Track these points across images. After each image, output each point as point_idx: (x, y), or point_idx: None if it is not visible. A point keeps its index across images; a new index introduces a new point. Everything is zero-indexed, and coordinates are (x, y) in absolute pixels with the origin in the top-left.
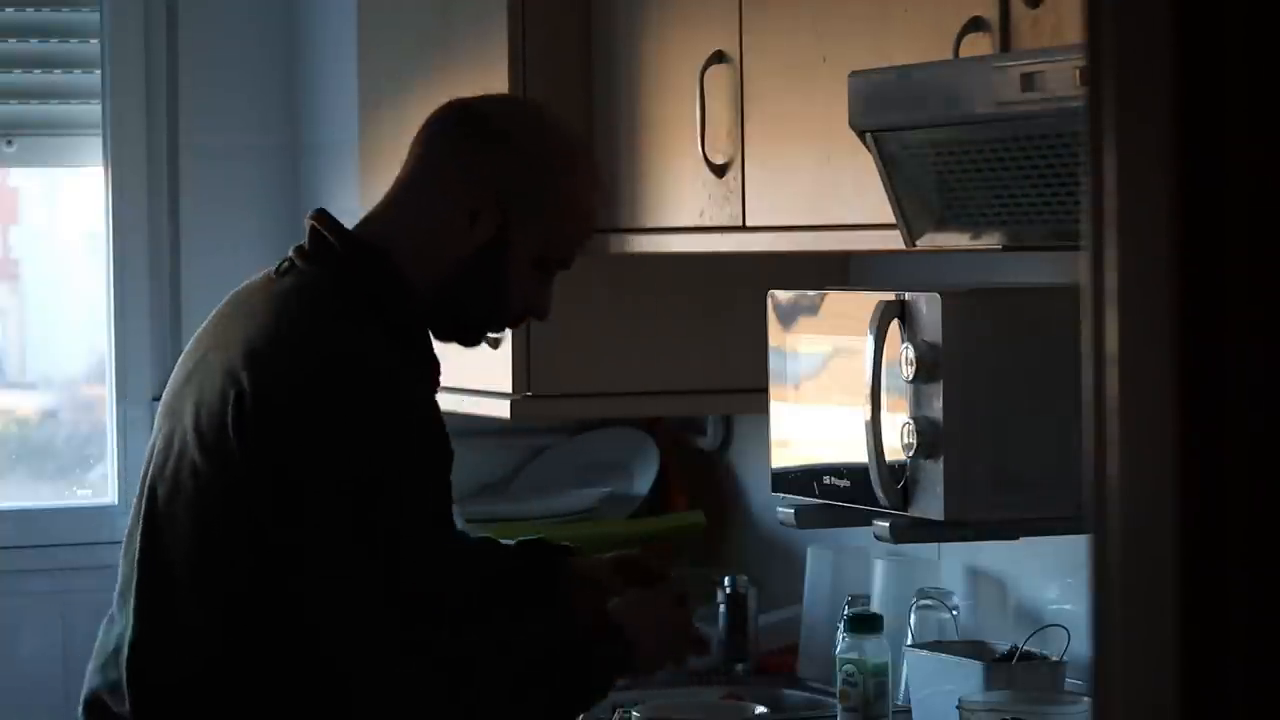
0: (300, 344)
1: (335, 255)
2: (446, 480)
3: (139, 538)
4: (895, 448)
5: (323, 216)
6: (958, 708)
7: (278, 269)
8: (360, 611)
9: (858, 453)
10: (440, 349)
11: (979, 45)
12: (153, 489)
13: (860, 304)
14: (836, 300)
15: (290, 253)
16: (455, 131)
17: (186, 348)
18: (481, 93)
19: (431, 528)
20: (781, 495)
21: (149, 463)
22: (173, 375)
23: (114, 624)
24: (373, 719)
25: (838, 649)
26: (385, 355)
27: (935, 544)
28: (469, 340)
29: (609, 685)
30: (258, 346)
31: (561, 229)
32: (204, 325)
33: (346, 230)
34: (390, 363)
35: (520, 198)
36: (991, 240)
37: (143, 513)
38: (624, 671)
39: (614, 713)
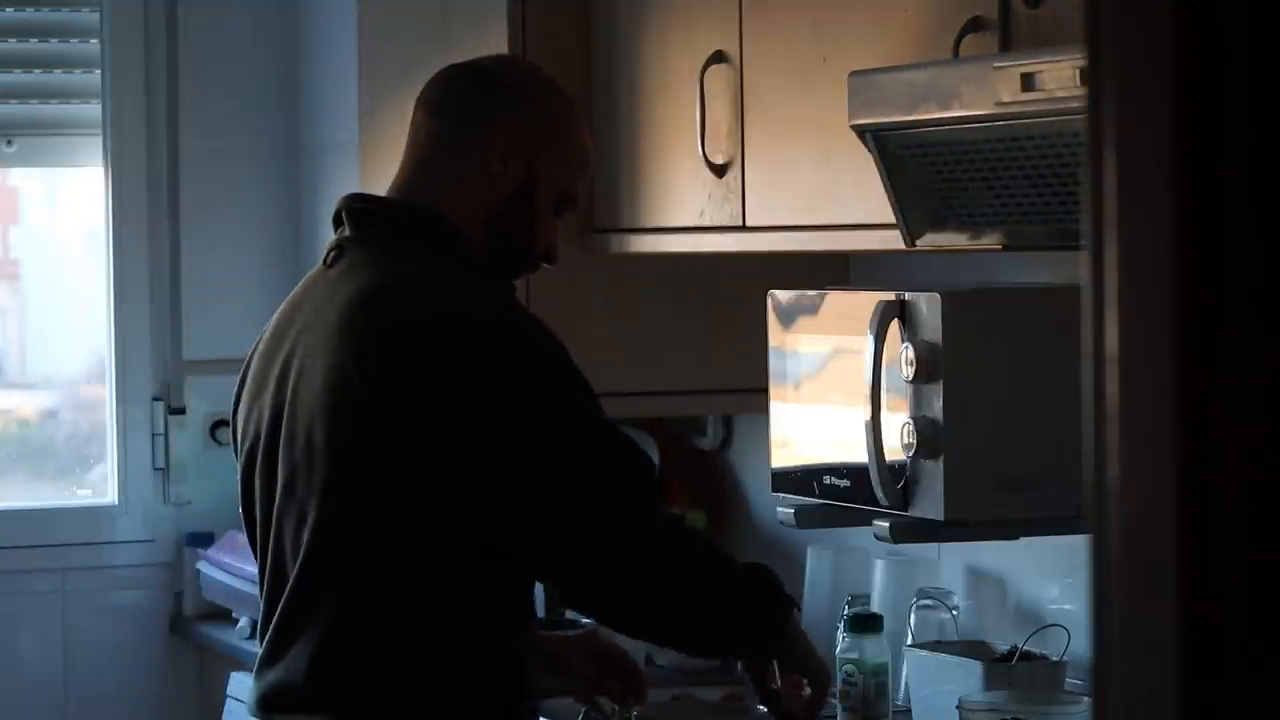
0: (461, 302)
1: (390, 224)
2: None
3: (298, 566)
4: (895, 448)
5: (360, 196)
6: (958, 708)
7: (325, 261)
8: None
9: (858, 453)
10: None
11: (979, 45)
12: (304, 514)
13: (860, 304)
14: (836, 300)
15: (337, 240)
16: (470, 90)
17: (261, 353)
18: None
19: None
20: (781, 495)
21: (267, 505)
22: (247, 404)
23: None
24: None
25: (838, 649)
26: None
27: (935, 544)
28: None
29: (780, 621)
30: (389, 315)
31: (575, 167)
32: (267, 338)
33: (393, 199)
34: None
35: (542, 139)
36: (991, 240)
37: (297, 545)
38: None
39: (614, 713)
